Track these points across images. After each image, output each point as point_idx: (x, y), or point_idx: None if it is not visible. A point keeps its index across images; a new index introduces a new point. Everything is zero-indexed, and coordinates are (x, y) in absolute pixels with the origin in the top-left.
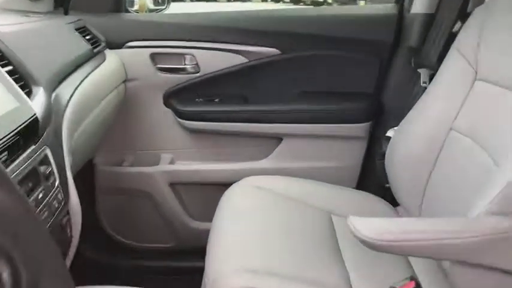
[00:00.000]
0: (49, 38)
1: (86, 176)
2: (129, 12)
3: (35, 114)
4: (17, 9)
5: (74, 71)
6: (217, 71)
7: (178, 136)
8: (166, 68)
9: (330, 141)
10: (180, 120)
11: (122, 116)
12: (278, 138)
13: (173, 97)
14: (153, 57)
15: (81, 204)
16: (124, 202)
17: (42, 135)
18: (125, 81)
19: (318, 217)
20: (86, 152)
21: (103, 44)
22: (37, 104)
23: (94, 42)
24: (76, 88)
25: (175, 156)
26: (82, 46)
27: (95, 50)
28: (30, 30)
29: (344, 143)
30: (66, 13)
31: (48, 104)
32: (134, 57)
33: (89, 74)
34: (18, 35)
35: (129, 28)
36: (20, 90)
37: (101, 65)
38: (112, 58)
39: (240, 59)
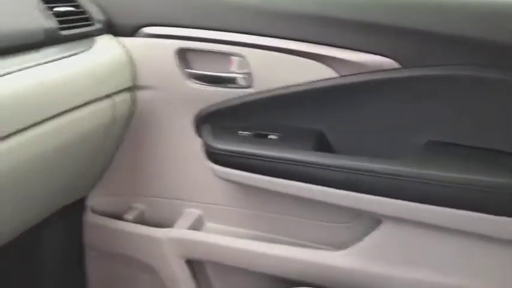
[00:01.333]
0: None
1: (75, 222)
2: None
3: None
4: None
5: None
6: (283, 88)
7: (214, 183)
8: (203, 76)
9: (473, 241)
10: (211, 164)
11: (130, 142)
12: (373, 220)
13: (209, 122)
14: (182, 54)
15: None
16: (122, 273)
17: None
18: (132, 89)
19: None
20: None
21: (97, 26)
22: None
23: (73, 20)
24: None
25: (206, 214)
26: (27, 21)
27: (65, 32)
28: None
29: (502, 249)
30: None
31: None
32: (152, 53)
33: (32, 66)
34: None
35: (149, 5)
36: None
37: (75, 56)
38: (109, 49)
39: (324, 72)
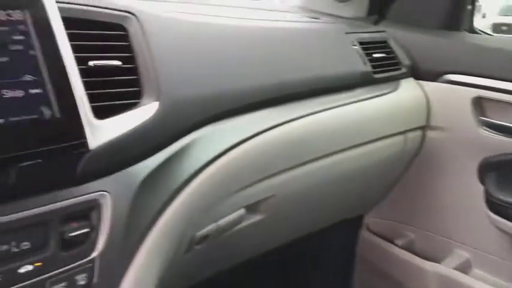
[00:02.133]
0: (293, 44)
1: (351, 236)
2: (475, 32)
3: None
4: (321, 10)
5: (313, 94)
6: None
7: (488, 231)
8: (496, 125)
9: None
10: (490, 213)
11: (412, 175)
12: None
13: (495, 171)
14: (478, 102)
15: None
16: None
17: None
18: (424, 128)
19: None
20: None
21: (403, 70)
22: None
23: (384, 65)
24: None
25: (475, 259)
26: (349, 65)
27: (377, 76)
28: (278, 29)
29: None
30: (376, 23)
31: None
32: (449, 97)
33: (348, 103)
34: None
35: (456, 53)
36: None
37: (382, 96)
38: (411, 91)
39: None
